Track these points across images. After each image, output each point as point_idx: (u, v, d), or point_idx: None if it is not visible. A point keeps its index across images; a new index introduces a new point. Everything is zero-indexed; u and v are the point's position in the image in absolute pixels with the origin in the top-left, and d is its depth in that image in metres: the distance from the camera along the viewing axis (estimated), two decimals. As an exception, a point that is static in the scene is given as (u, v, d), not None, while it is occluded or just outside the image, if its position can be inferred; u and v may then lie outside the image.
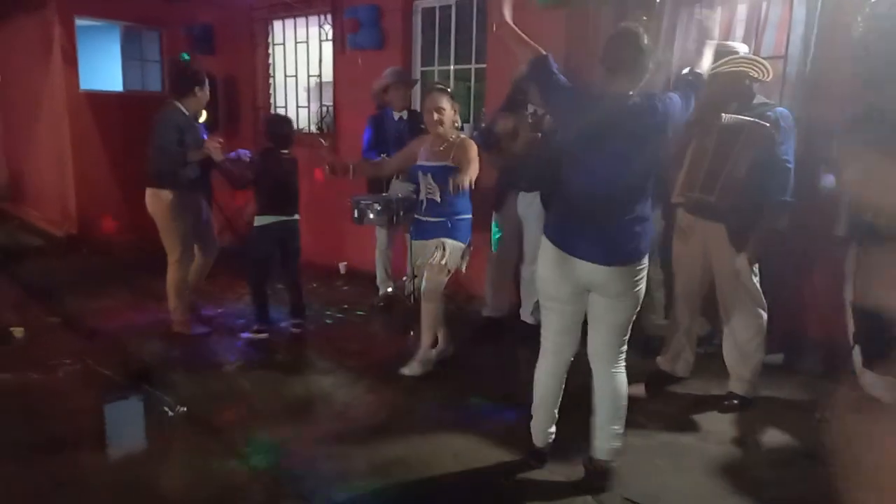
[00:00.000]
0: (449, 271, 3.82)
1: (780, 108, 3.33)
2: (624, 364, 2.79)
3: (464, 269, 3.94)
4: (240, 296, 5.21)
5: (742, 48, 3.47)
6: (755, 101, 3.35)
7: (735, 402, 3.53)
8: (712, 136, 3.28)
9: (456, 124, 3.84)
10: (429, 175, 3.79)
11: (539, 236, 4.28)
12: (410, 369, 3.92)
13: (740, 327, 3.48)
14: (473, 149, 3.74)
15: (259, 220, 4.43)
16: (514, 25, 2.74)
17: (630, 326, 2.76)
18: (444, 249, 3.78)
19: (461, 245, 3.84)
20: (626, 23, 2.78)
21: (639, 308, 2.75)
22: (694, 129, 3.33)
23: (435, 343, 4.01)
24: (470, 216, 3.89)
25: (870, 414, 3.27)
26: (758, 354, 3.51)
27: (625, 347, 2.79)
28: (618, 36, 2.64)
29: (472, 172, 3.63)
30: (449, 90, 3.83)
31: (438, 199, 3.78)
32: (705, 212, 3.40)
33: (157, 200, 4.33)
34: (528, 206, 4.34)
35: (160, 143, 4.26)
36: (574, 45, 4.56)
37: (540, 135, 4.11)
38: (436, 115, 3.74)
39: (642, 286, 2.71)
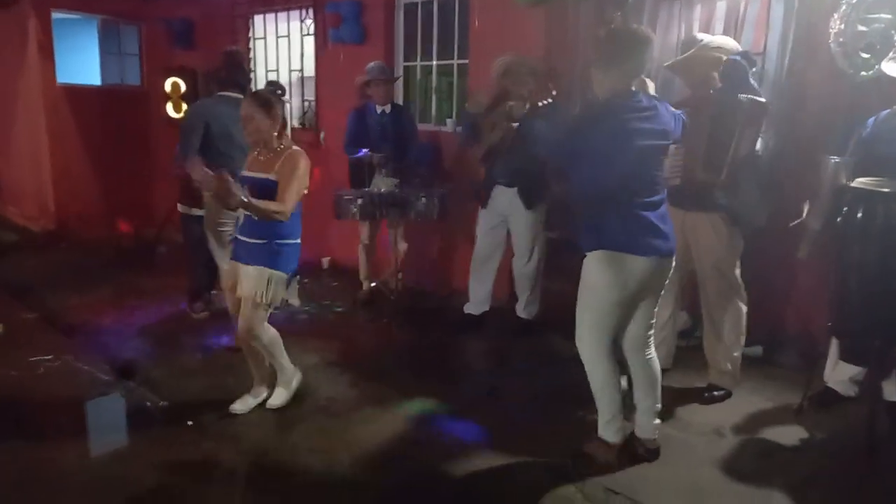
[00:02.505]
0: (268, 305, 3.27)
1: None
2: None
3: (290, 301, 3.41)
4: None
5: (706, 37, 3.51)
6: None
7: (716, 393, 3.58)
8: (704, 117, 3.27)
9: (274, 132, 3.21)
10: (246, 187, 3.17)
11: (528, 230, 4.35)
12: (274, 400, 3.48)
13: (721, 320, 3.52)
14: (301, 162, 3.18)
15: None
16: None
17: None
18: (263, 282, 3.17)
19: (283, 275, 3.24)
20: (630, 25, 2.84)
21: None
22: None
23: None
24: (297, 241, 3.31)
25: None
26: (738, 346, 3.56)
27: (653, 331, 2.99)
28: (636, 41, 2.68)
29: (290, 191, 3.12)
30: (267, 95, 3.22)
31: (256, 218, 3.17)
32: (693, 202, 3.41)
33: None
34: (511, 200, 4.35)
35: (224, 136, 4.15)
36: (554, 44, 4.59)
37: (516, 125, 4.12)
38: (246, 126, 3.19)
39: None
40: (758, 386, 3.73)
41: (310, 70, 6.40)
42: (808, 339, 3.90)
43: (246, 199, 3.02)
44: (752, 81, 3.37)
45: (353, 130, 5.04)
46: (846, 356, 3.42)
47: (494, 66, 4.11)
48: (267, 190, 3.14)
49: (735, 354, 3.56)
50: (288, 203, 3.13)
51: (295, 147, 3.27)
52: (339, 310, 5.12)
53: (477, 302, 4.72)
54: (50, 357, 4.00)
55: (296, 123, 6.72)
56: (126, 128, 7.25)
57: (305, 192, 3.24)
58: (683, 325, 4.08)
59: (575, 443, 3.04)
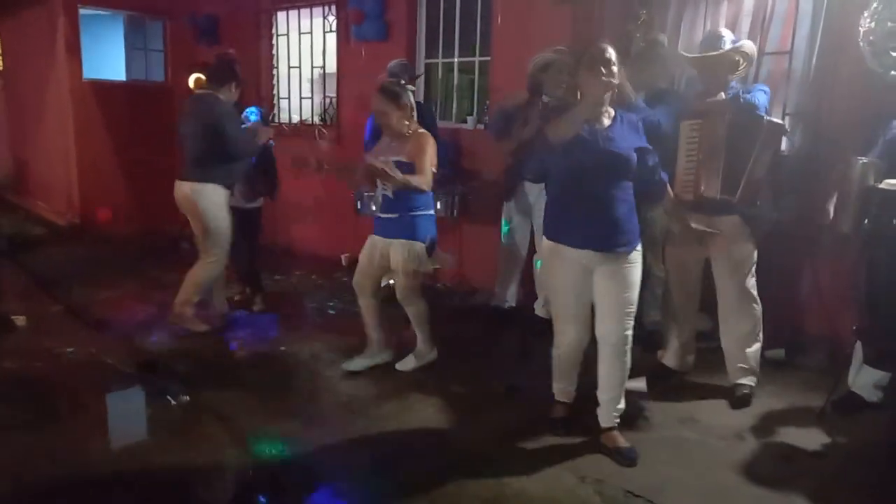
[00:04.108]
0: (418, 274, 3.75)
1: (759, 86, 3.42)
2: None
3: (432, 267, 3.81)
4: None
5: (730, 35, 3.47)
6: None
7: (745, 392, 3.52)
8: (719, 130, 3.27)
9: (405, 120, 3.66)
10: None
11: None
12: (404, 364, 3.91)
13: (738, 322, 3.50)
14: (428, 141, 3.65)
15: (259, 202, 4.67)
16: None
17: None
18: (411, 254, 3.66)
19: (421, 244, 3.69)
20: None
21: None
22: (690, 118, 3.35)
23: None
24: (430, 212, 3.76)
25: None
26: (757, 344, 3.55)
27: None
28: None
29: (425, 166, 3.58)
30: (395, 88, 3.66)
31: (391, 195, 3.61)
32: (711, 208, 3.38)
33: (202, 196, 4.15)
34: (538, 195, 4.32)
35: (224, 132, 4.09)
36: (579, 41, 4.55)
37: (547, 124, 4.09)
38: (381, 119, 3.69)
39: None
40: (780, 389, 3.68)
41: (332, 67, 6.42)
42: (831, 343, 3.84)
43: (393, 171, 3.46)
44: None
45: (373, 128, 5.04)
46: (871, 360, 3.36)
47: (532, 61, 4.10)
48: (401, 170, 3.52)
49: (755, 352, 3.55)
50: (427, 175, 3.58)
51: (420, 129, 3.70)
52: (359, 306, 5.11)
53: (503, 297, 4.71)
54: (73, 349, 4.06)
55: (317, 120, 6.75)
56: (151, 123, 7.31)
57: (434, 169, 3.66)
58: (702, 326, 4.04)
59: (594, 443, 3.03)
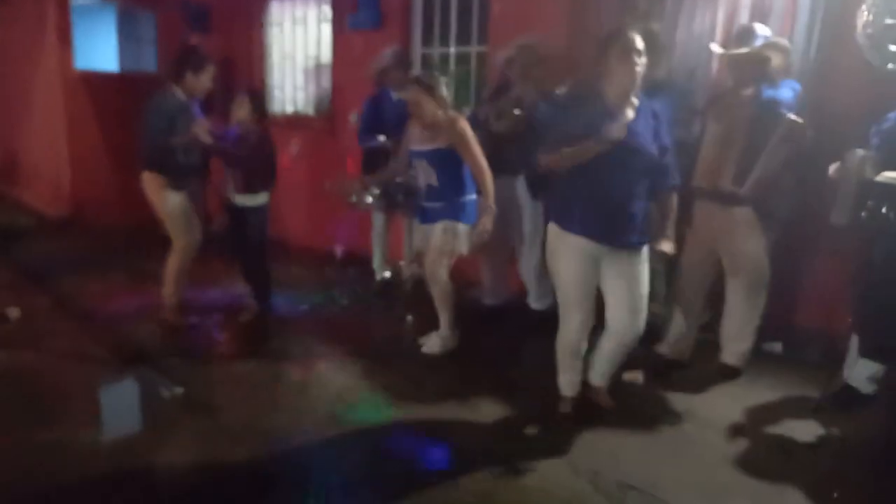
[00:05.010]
0: (451, 254, 3.79)
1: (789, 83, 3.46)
2: None
3: (467, 251, 3.86)
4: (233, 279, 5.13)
5: (764, 31, 3.46)
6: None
7: (733, 370, 3.67)
8: (740, 123, 3.30)
9: (440, 109, 3.70)
10: (424, 161, 3.75)
11: (532, 219, 4.31)
12: (429, 347, 3.94)
13: (746, 306, 3.57)
14: (467, 125, 3.67)
15: (265, 198, 4.37)
16: None
17: None
18: (449, 233, 3.74)
19: (466, 227, 3.77)
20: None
21: None
22: (712, 111, 3.37)
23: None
24: (474, 196, 3.81)
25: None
26: (754, 328, 3.65)
27: None
28: None
29: (476, 152, 3.62)
30: (426, 80, 3.72)
31: (436, 183, 3.73)
32: (726, 199, 3.41)
33: (152, 186, 4.24)
34: (516, 189, 4.31)
35: (146, 128, 4.19)
36: (577, 30, 4.52)
37: (521, 113, 4.09)
38: (414, 110, 3.72)
39: None
40: (776, 382, 3.68)
41: (326, 56, 6.37)
42: (827, 336, 3.83)
43: (488, 213, 3.65)
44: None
45: (368, 118, 5.00)
46: (867, 353, 3.36)
47: (499, 55, 4.11)
48: (439, 156, 3.63)
49: (751, 335, 3.64)
50: (482, 163, 3.63)
51: (453, 113, 3.71)
52: (353, 299, 5.11)
53: (491, 293, 4.69)
54: (63, 341, 4.02)
55: (311, 111, 6.70)
56: (141, 116, 7.24)
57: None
58: (703, 320, 4.03)
59: (589, 437, 3.02)
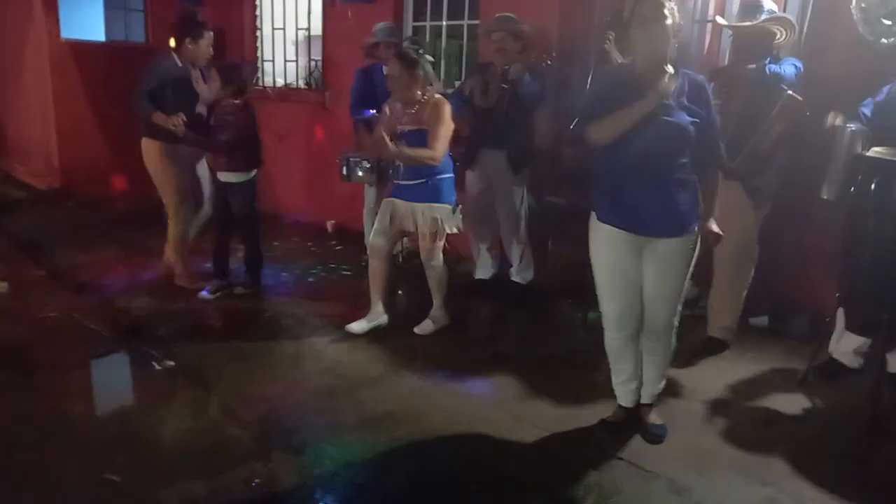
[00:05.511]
0: (443, 234, 3.79)
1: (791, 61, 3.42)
2: None
3: (455, 228, 3.86)
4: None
5: (770, 5, 3.45)
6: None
7: (720, 343, 3.73)
8: (740, 98, 3.30)
9: (418, 88, 3.64)
10: (403, 142, 3.66)
11: (513, 194, 4.31)
12: (422, 328, 3.93)
13: (734, 280, 3.63)
14: (444, 108, 3.64)
15: (249, 175, 4.31)
16: None
17: None
18: (435, 218, 3.73)
19: (448, 206, 3.78)
20: None
21: None
22: (713, 85, 3.36)
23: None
24: (450, 175, 3.82)
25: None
26: (741, 303, 3.72)
27: None
28: None
29: (439, 134, 3.58)
30: (407, 56, 3.65)
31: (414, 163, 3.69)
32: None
33: (147, 151, 4.29)
34: (498, 163, 4.33)
35: (140, 95, 4.20)
36: (568, 5, 4.48)
37: (507, 86, 4.08)
38: (392, 84, 3.67)
39: None
40: (762, 356, 3.73)
41: (317, 29, 6.29)
42: (814, 310, 3.88)
43: (399, 149, 3.54)
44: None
45: (359, 90, 4.96)
46: (853, 327, 3.40)
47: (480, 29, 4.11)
48: (420, 138, 3.59)
49: (737, 309, 3.70)
50: (438, 148, 3.58)
51: (437, 95, 3.69)
52: (345, 273, 5.11)
53: (481, 266, 4.71)
54: (56, 314, 4.01)
55: (301, 84, 6.64)
56: (131, 85, 7.15)
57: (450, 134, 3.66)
58: (689, 295, 4.06)
59: (575, 411, 3.05)
